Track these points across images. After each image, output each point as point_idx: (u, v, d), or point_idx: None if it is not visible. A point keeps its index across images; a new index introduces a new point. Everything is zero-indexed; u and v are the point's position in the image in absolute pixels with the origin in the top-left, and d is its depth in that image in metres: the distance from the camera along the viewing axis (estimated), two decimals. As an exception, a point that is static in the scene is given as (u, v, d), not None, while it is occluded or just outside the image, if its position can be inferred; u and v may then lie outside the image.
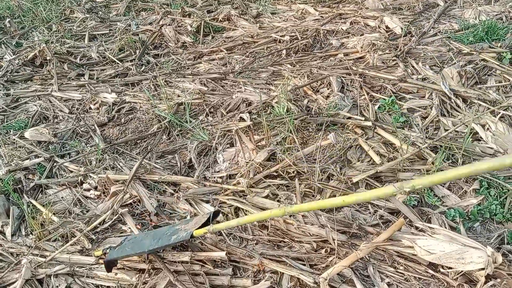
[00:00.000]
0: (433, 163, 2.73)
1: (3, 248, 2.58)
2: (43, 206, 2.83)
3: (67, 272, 2.36)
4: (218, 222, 2.31)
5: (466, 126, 3.01)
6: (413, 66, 3.89)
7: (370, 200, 2.44)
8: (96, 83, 4.44)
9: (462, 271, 2.03)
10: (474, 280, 2.03)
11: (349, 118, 3.27)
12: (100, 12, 6.36)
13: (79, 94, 4.23)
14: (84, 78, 4.57)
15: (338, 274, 2.15)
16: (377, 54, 4.09)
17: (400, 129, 3.13)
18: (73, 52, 5.15)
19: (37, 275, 2.35)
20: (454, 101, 3.35)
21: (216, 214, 2.30)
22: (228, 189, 2.82)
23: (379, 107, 3.44)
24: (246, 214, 2.61)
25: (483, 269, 1.96)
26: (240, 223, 2.15)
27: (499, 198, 2.48)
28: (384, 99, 3.49)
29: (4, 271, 2.39)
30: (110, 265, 2.26)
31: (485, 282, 1.98)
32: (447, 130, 3.06)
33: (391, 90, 3.60)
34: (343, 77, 3.85)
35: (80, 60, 4.96)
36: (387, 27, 4.64)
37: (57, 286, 2.29)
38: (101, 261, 2.36)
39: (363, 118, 3.21)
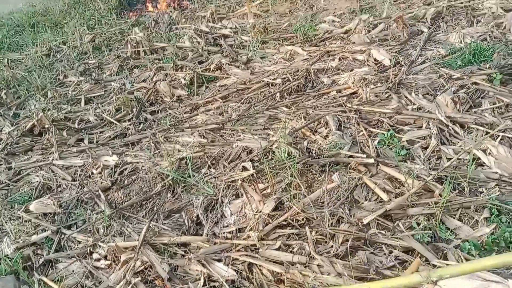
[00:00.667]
0: (440, 195, 2.73)
1: (17, 332, 2.53)
2: (55, 282, 2.80)
3: None
4: None
5: (468, 153, 3.03)
6: (406, 97, 3.94)
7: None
8: (96, 146, 4.48)
9: (487, 308, 1.99)
10: (501, 316, 1.99)
11: (351, 156, 3.28)
12: (94, 74, 6.48)
13: (80, 160, 4.26)
14: (84, 143, 4.61)
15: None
16: (369, 88, 4.15)
17: (402, 163, 3.14)
18: (71, 117, 5.21)
19: None
20: (452, 128, 3.38)
21: None
22: (239, 244, 2.79)
23: (378, 142, 3.47)
24: (260, 270, 2.57)
25: (507, 304, 1.92)
26: None
27: (511, 225, 2.46)
28: (383, 133, 3.51)
29: None
30: None
31: (511, 318, 1.93)
32: (450, 158, 3.07)
33: (388, 123, 3.64)
34: (338, 115, 3.90)
35: (78, 124, 5.02)
36: (375, 59, 4.73)
37: None
38: None
39: (364, 156, 3.23)
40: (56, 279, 2.84)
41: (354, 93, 4.29)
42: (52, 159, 4.35)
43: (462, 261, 2.29)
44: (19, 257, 3.05)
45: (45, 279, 2.85)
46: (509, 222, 2.49)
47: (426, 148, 3.30)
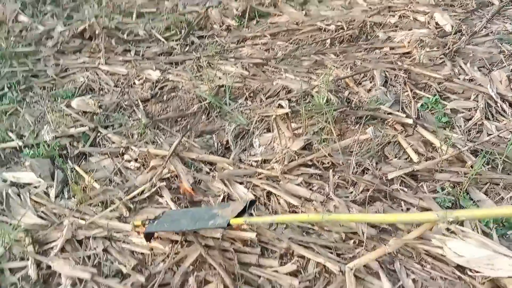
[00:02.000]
0: (471, 166, 2.69)
1: (47, 208, 2.75)
2: (86, 172, 2.98)
3: (105, 236, 2.50)
4: (252, 215, 2.48)
5: (511, 132, 2.93)
6: (460, 66, 3.79)
7: (410, 222, 2.43)
8: (142, 59, 4.57)
9: (490, 276, 2.02)
10: (502, 287, 2.02)
11: (390, 113, 3.24)
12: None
13: (125, 69, 4.37)
14: (130, 54, 4.70)
15: (364, 265, 2.18)
16: (424, 51, 4.01)
17: (441, 129, 3.09)
18: (121, 28, 5.27)
19: (77, 236, 2.50)
20: (500, 106, 3.26)
21: (252, 203, 2.38)
22: (262, 173, 2.87)
23: (421, 105, 3.40)
24: (278, 200, 2.66)
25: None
26: (275, 221, 2.25)
27: (538, 208, 2.42)
28: (428, 97, 3.43)
29: (48, 229, 2.55)
30: (149, 236, 2.38)
31: (514, 290, 1.96)
32: (490, 134, 2.99)
33: (435, 88, 3.54)
34: (387, 71, 3.81)
35: (127, 36, 5.09)
36: (437, 23, 4.51)
37: (95, 248, 2.43)
38: (137, 229, 2.48)
39: (404, 115, 3.18)
40: (88, 170, 3.02)
41: (407, 53, 4.15)
42: (98, 63, 4.48)
43: (478, 232, 2.29)
44: (56, 144, 3.24)
45: (77, 168, 3.03)
46: (535, 205, 2.45)
47: (468, 120, 3.22)
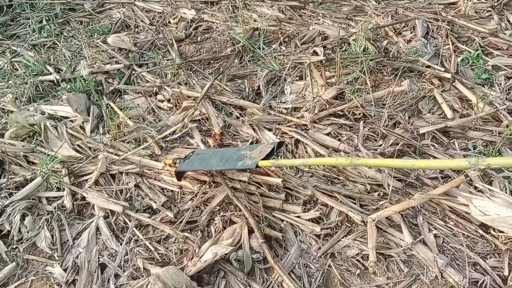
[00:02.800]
0: (507, 126, 2.61)
1: (82, 142, 2.87)
2: (120, 109, 3.06)
3: (137, 172, 2.61)
4: (278, 155, 2.44)
5: (555, 93, 2.80)
6: (508, 20, 3.58)
7: (441, 169, 2.39)
8: (177, -3, 4.51)
9: (514, 237, 2.03)
10: (525, 248, 2.03)
11: (428, 66, 3.13)
12: None
13: (161, 6, 4.33)
14: (166, -9, 4.63)
15: (387, 217, 2.22)
16: (471, 2, 3.78)
17: (480, 86, 2.98)
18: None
19: (111, 170, 2.62)
20: (547, 65, 3.09)
21: (280, 145, 2.36)
22: (292, 121, 2.88)
23: (462, 60, 3.25)
24: (305, 148, 2.68)
25: (537, 239, 1.94)
26: (305, 163, 2.20)
27: None
28: (470, 51, 3.28)
29: (83, 162, 2.68)
30: (180, 175, 2.46)
31: (536, 252, 1.97)
32: (532, 94, 2.87)
33: (478, 43, 3.37)
34: (429, 22, 3.63)
35: (164, -28, 4.99)
36: (489, -29, 4.20)
37: (127, 183, 2.55)
38: (167, 167, 2.57)
39: (443, 69, 3.06)
40: (122, 107, 3.10)
41: (453, 3, 3.93)
42: (135, 0, 4.45)
43: (506, 192, 2.27)
44: (92, 80, 3.31)
45: (112, 104, 3.11)
46: None
47: (510, 78, 3.08)
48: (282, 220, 2.29)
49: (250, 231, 2.21)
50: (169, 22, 4.12)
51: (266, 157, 2.20)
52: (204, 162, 2.41)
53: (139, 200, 2.47)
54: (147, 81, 3.39)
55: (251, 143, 2.77)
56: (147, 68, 3.53)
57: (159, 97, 3.19)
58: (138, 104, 3.16)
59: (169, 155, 2.71)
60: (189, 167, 2.43)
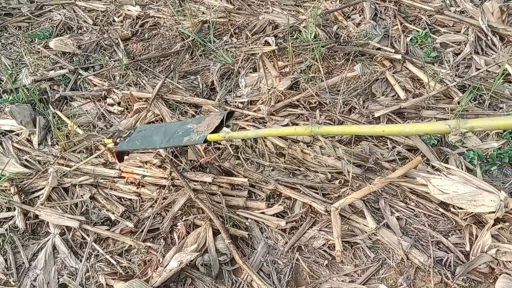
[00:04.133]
0: (458, 102, 2.67)
1: (31, 156, 2.71)
2: (68, 118, 2.91)
3: (91, 183, 2.49)
4: (228, 126, 2.26)
5: (499, 66, 2.88)
6: (453, -4, 3.65)
7: (415, 134, 2.33)
8: (120, -6, 4.32)
9: (472, 212, 2.08)
10: (483, 222, 2.08)
11: (379, 49, 3.15)
12: None
13: (103, 4, 4.14)
14: (108, -12, 4.44)
15: (349, 205, 2.22)
16: (416, -20, 3.82)
17: (430, 65, 3.03)
18: (97, -42, 4.93)
19: (63, 184, 2.49)
20: (491, 39, 3.18)
21: (230, 115, 2.20)
22: (249, 115, 2.83)
23: (411, 40, 3.30)
24: (264, 142, 2.64)
25: (493, 212, 1.99)
26: (259, 135, 1.97)
27: (521, 144, 2.45)
28: (418, 31, 3.33)
29: (33, 177, 2.53)
30: (121, 156, 2.31)
31: (493, 225, 2.02)
32: (479, 69, 2.94)
33: (426, 21, 3.42)
34: (377, 3, 3.65)
35: (104, -33, 4.77)
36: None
37: (82, 195, 2.43)
38: (107, 150, 2.44)
39: (393, 50, 3.09)
40: (70, 115, 2.95)
41: (398, -17, 3.96)
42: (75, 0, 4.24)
43: (463, 169, 2.32)
44: (36, 89, 3.14)
45: (59, 113, 2.95)
46: (519, 141, 2.47)
47: (458, 54, 3.15)
48: (247, 218, 2.26)
49: (215, 233, 2.16)
50: (114, 20, 3.95)
51: (216, 130, 2.04)
52: (146, 140, 2.21)
53: (96, 213, 2.36)
54: (95, 85, 3.24)
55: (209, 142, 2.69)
56: (93, 71, 3.37)
57: (109, 101, 3.06)
58: (87, 111, 3.02)
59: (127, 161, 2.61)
60: (130, 146, 2.25)
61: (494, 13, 3.29)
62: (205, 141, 1.99)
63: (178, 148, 2.52)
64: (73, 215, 2.31)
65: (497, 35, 3.20)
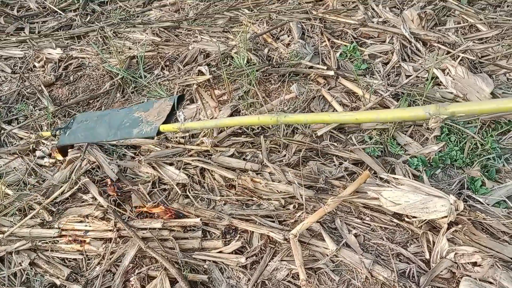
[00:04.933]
0: (395, 111, 2.74)
1: (-45, 226, 2.43)
2: (-5, 178, 2.66)
3: (29, 248, 2.26)
4: (182, 115, 2.12)
5: (427, 71, 3.02)
6: (373, 9, 3.81)
7: (392, 121, 2.21)
8: (39, 37, 4.09)
9: (426, 219, 2.10)
10: (438, 227, 2.11)
11: (311, 67, 3.19)
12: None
13: (21, 51, 3.89)
14: (25, 33, 4.20)
15: (307, 229, 2.18)
16: (336, -4, 3.96)
17: (362, 77, 3.10)
18: (9, 2, 4.67)
19: (-3, 253, 2.24)
20: (415, 45, 3.33)
21: (180, 98, 2.02)
22: (192, 149, 2.73)
23: (340, 54, 3.38)
24: (212, 175, 2.56)
25: (446, 216, 2.03)
26: (218, 125, 1.83)
27: (459, 144, 2.55)
28: (346, 45, 3.42)
29: (-40, 251, 2.26)
30: (64, 150, 2.08)
31: (448, 229, 2.06)
32: (409, 76, 3.06)
33: (352, 35, 3.53)
34: (303, 22, 3.72)
35: (18, 11, 4.53)
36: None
37: (20, 263, 2.20)
38: (55, 154, 2.24)
39: (325, 67, 3.14)
40: (-4, 175, 2.70)
41: (320, 0, 4.08)
42: (-12, 48, 3.95)
43: (410, 177, 2.36)
44: (-47, 151, 2.84)
45: (-16, 174, 2.69)
46: (457, 142, 2.56)
47: (386, 63, 3.26)
48: (205, 260, 2.14)
49: (173, 282, 2.02)
50: (34, 66, 3.72)
51: (167, 119, 1.84)
52: (90, 133, 1.99)
53: (39, 280, 2.14)
54: (21, 138, 2.99)
55: (153, 182, 2.56)
56: (18, 124, 3.12)
57: (38, 153, 2.83)
58: (15, 168, 2.77)
59: (63, 217, 2.40)
60: (72, 140, 2.02)
61: (414, 20, 3.46)
62: (158, 133, 1.80)
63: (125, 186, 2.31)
64: (12, 287, 2.07)
65: (420, 41, 3.36)
